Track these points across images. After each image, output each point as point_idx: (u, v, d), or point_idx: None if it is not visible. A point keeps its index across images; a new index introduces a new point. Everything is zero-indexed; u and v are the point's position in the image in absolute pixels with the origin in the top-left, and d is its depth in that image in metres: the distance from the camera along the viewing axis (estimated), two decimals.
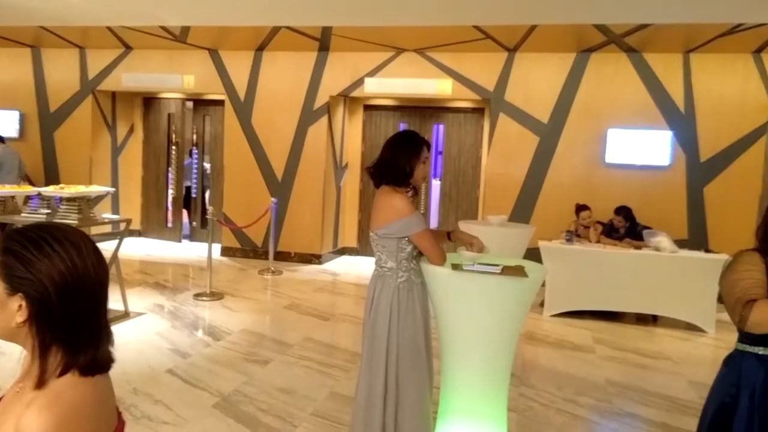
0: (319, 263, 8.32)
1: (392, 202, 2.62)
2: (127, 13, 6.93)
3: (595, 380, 4.33)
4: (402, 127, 8.69)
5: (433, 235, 2.68)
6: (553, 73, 7.52)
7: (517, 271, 2.71)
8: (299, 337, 5.03)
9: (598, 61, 7.35)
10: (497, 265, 2.70)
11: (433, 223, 8.67)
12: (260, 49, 8.26)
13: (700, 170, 7.12)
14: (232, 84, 8.51)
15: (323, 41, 7.67)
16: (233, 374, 4.12)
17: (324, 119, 8.24)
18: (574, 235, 6.26)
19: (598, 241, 6.27)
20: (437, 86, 7.85)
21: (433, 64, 7.85)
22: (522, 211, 7.58)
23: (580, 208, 6.51)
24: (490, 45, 7.30)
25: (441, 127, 8.71)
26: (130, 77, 8.84)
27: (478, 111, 8.45)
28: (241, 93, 8.48)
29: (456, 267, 2.70)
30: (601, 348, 5.10)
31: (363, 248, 8.90)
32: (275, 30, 7.29)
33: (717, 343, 5.44)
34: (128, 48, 8.77)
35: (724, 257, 5.77)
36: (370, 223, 2.76)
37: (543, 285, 5.99)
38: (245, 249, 8.61)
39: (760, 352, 1.88)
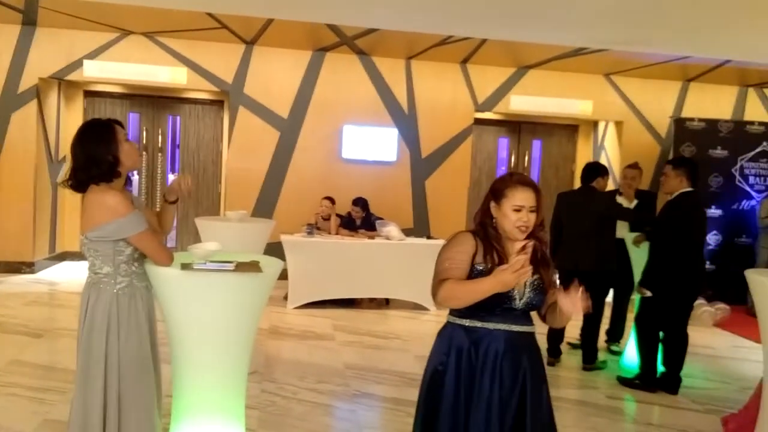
0: (32, 272, 7.16)
1: (105, 201, 2.31)
2: None
3: (335, 366, 4.51)
4: (131, 117, 7.97)
5: (155, 234, 2.45)
6: (291, 69, 7.63)
7: (252, 267, 2.63)
8: (2, 361, 4.24)
9: (333, 61, 7.67)
10: (231, 262, 2.59)
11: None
12: None
13: (421, 165, 7.94)
14: None
15: (28, 14, 6.58)
16: None
17: (32, 105, 7.09)
18: (314, 227, 6.44)
19: (337, 233, 6.56)
20: (171, 74, 7.36)
21: (165, 51, 7.33)
22: (265, 206, 7.56)
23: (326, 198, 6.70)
24: (227, 35, 7.09)
25: (178, 118, 8.20)
26: None
27: (217, 103, 8.17)
28: None
29: (186, 266, 2.51)
30: (340, 335, 5.35)
31: None
32: None
33: (438, 318, 6.11)
34: None
35: (443, 242, 6.51)
36: (80, 225, 2.40)
37: (287, 278, 6.06)
38: None
39: (467, 324, 2.10)
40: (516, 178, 2.14)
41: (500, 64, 7.88)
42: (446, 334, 2.17)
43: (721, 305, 6.45)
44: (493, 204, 2.13)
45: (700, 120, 7.78)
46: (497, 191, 2.13)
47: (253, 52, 7.53)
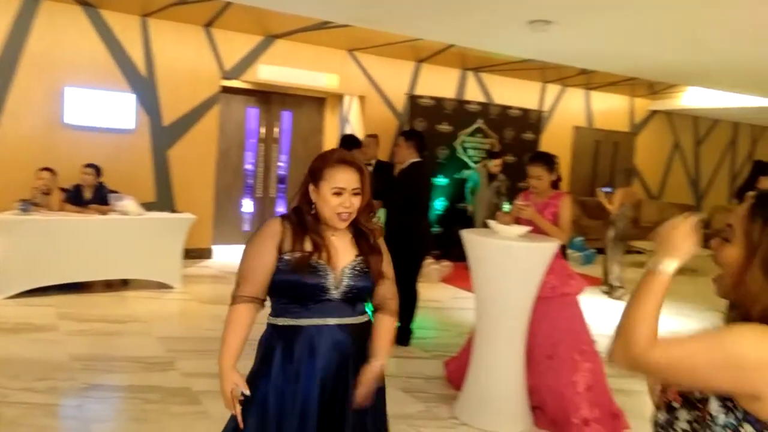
0: None
1: None
2: None
3: (59, 359, 3.97)
4: None
5: None
6: None
7: None
8: None
9: (49, 10, 6.61)
10: None
11: None
12: None
13: (163, 134, 7.37)
14: None
15: None
16: None
17: None
18: (31, 204, 5.55)
19: (61, 209, 5.75)
20: None
21: None
22: None
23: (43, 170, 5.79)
24: None
25: None
26: None
27: None
28: None
29: None
30: (65, 323, 4.72)
31: None
32: None
33: (183, 296, 5.83)
34: None
35: (190, 216, 6.20)
36: None
37: None
38: None
39: (279, 323, 1.85)
40: (336, 155, 1.86)
41: (247, 31, 7.65)
42: (263, 339, 1.89)
43: (446, 262, 7.32)
44: (312, 187, 1.84)
45: (430, 98, 8.62)
46: (315, 171, 1.83)
47: None
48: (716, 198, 13.21)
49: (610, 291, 7.11)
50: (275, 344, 1.82)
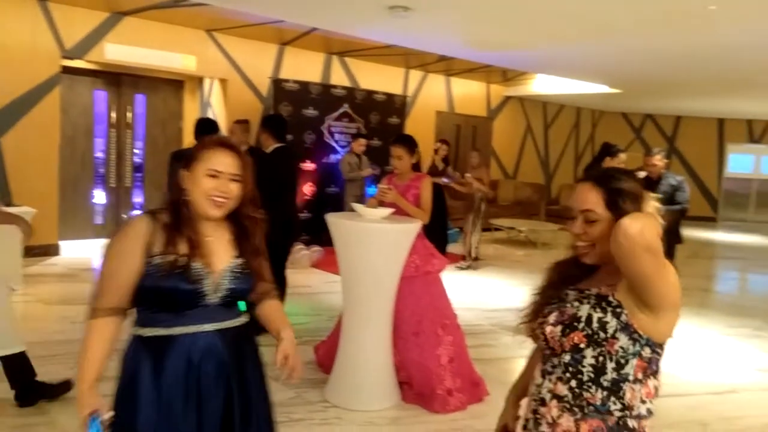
0: None
1: None
2: None
3: None
4: None
5: None
6: None
7: None
8: None
9: None
10: None
11: None
12: None
13: None
14: None
15: None
16: None
17: None
18: None
19: None
20: None
21: None
22: None
23: None
24: None
25: None
26: None
27: None
28: None
29: None
30: None
31: None
32: None
33: (25, 298, 5.27)
34: None
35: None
36: None
37: None
38: None
39: (148, 335, 1.64)
40: (215, 139, 1.73)
41: (89, 6, 7.01)
42: (126, 355, 1.66)
43: (316, 247, 7.31)
44: (185, 172, 1.66)
45: (295, 82, 8.49)
46: (190, 155, 1.67)
47: None
48: (563, 177, 14.45)
49: (473, 264, 7.60)
50: (142, 361, 1.62)
